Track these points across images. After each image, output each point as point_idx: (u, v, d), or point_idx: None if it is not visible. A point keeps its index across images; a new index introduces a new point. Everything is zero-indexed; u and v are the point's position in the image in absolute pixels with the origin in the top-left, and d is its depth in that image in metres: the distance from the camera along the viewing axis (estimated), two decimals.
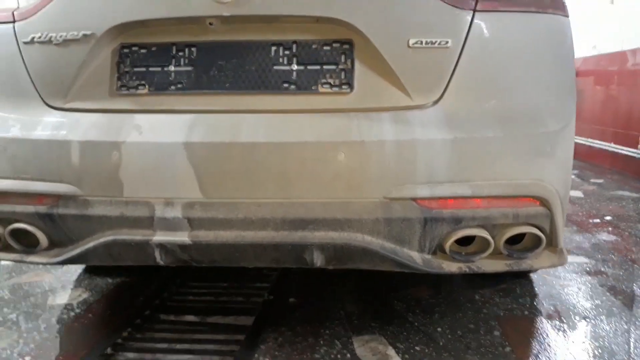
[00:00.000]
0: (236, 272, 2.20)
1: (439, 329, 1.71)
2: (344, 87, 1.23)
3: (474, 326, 1.73)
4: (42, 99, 1.30)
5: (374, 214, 1.20)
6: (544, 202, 1.25)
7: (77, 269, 2.31)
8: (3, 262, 2.42)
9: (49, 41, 1.28)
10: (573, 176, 4.56)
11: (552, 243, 1.30)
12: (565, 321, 1.76)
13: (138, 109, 1.26)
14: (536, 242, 1.28)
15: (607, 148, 4.87)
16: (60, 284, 2.17)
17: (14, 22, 1.32)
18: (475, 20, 1.21)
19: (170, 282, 2.14)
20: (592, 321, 1.76)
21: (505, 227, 1.26)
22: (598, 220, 3.08)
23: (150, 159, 1.21)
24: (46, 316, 1.87)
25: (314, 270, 1.87)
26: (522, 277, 2.10)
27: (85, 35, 1.25)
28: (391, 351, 1.58)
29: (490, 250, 1.26)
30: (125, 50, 1.28)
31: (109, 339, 1.68)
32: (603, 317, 1.78)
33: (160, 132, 1.21)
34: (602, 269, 2.25)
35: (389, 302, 1.92)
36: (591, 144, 5.17)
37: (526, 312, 1.83)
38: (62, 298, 2.04)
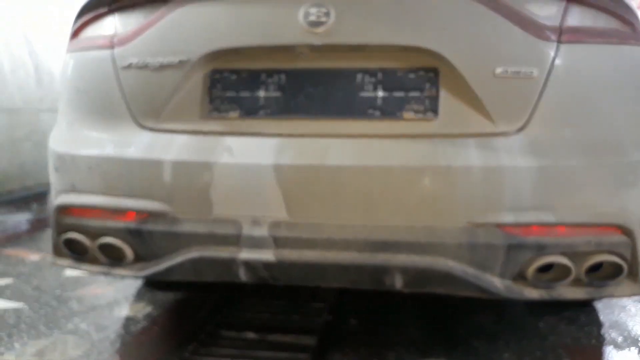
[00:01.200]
0: (291, 290, 2.23)
1: (506, 355, 1.70)
2: (428, 113, 1.26)
3: (540, 353, 1.71)
4: (136, 120, 1.37)
5: (457, 238, 1.22)
6: (626, 231, 1.24)
7: (137, 283, 2.38)
8: (68, 274, 2.51)
9: (146, 66, 1.35)
10: None
11: (633, 272, 1.29)
12: (635, 352, 1.73)
13: (229, 131, 1.31)
14: (617, 271, 1.27)
15: None
16: (123, 297, 2.24)
17: (112, 48, 1.40)
18: (560, 52, 1.23)
19: (228, 298, 2.18)
20: None
21: (587, 254, 1.26)
22: None
23: (240, 179, 1.26)
24: (114, 327, 1.93)
25: (373, 292, 1.89)
26: (586, 305, 2.07)
27: (180, 61, 1.32)
28: None
29: (572, 277, 1.26)
30: (217, 76, 1.35)
31: (176, 353, 1.73)
32: None
33: (250, 154, 1.27)
34: None
35: (451, 327, 1.91)
36: None
37: (593, 341, 1.80)
38: (127, 310, 2.10)
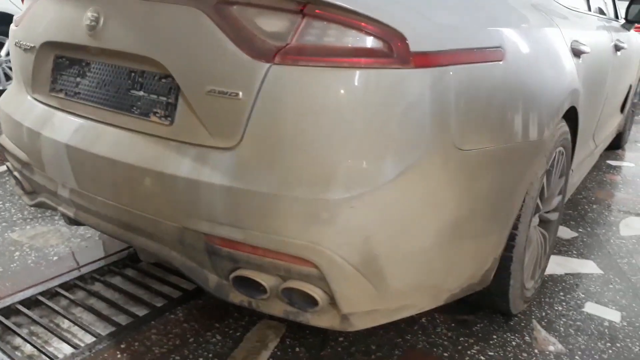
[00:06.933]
0: None
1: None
2: (167, 118, 1.36)
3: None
4: (26, 88, 1.76)
5: (174, 236, 1.36)
6: (317, 266, 1.22)
7: None
8: None
9: (21, 46, 1.70)
10: None
11: (334, 305, 1.27)
12: None
13: (56, 107, 1.61)
14: (312, 301, 1.26)
15: None
16: None
17: (16, 25, 1.78)
18: (271, 73, 1.18)
19: None
20: None
21: (280, 277, 1.27)
22: None
23: (52, 150, 1.57)
24: None
25: None
26: None
27: (31, 47, 1.64)
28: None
29: (268, 295, 1.30)
30: (59, 60, 1.63)
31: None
32: None
33: (58, 132, 1.55)
34: None
35: None
36: None
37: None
38: None
